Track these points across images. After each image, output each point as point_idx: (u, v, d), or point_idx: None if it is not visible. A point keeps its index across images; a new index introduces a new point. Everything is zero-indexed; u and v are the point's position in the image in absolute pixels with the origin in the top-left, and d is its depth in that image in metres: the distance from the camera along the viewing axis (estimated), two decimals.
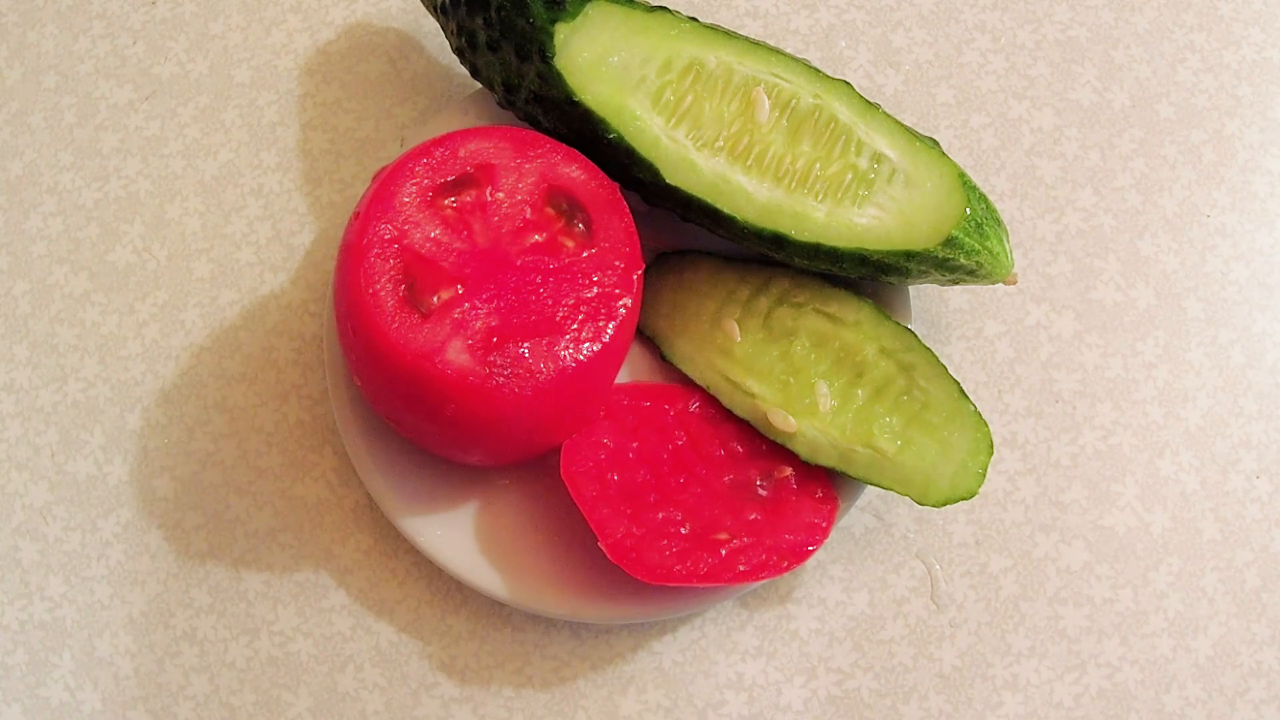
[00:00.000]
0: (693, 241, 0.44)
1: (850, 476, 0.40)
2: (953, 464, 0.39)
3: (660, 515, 0.39)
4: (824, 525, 0.39)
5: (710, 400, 0.42)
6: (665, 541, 0.38)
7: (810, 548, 0.39)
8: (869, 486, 0.40)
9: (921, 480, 0.39)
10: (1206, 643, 0.42)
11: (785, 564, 0.38)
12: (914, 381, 0.40)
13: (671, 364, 0.42)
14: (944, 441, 0.39)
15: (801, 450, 0.40)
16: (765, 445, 0.41)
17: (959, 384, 0.40)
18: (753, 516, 0.39)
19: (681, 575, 0.37)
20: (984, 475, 0.39)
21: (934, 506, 0.40)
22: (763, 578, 0.38)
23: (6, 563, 0.44)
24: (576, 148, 0.40)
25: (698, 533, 0.39)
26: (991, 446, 0.39)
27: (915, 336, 0.40)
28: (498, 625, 0.42)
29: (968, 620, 0.42)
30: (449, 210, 0.38)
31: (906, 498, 0.40)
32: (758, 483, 0.41)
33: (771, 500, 0.40)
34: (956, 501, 0.39)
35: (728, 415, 0.41)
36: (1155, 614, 0.42)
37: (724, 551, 0.38)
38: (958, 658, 0.42)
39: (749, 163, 0.39)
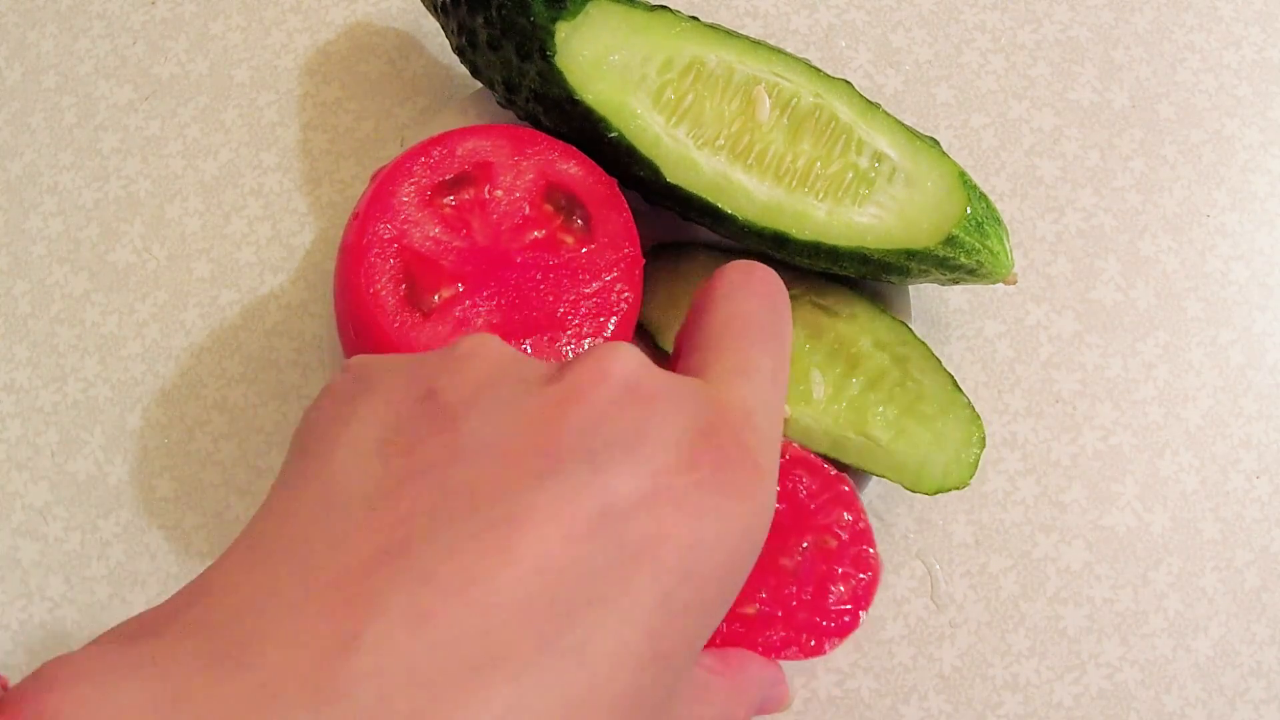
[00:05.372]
0: (693, 240, 0.44)
1: (843, 463, 0.39)
2: (945, 454, 0.39)
3: None
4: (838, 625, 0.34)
5: None
6: None
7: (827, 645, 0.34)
8: (868, 489, 0.40)
9: (914, 469, 0.39)
10: (1206, 643, 0.42)
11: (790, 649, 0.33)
12: (908, 374, 0.40)
13: (666, 353, 0.42)
14: (937, 432, 0.39)
15: (795, 436, 0.40)
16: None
17: (953, 377, 0.40)
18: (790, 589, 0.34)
19: None
20: (976, 466, 0.39)
21: (926, 494, 0.40)
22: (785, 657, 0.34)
23: (6, 563, 0.44)
24: (577, 146, 0.40)
25: None
26: (984, 438, 0.39)
27: (910, 330, 0.40)
28: None
29: (968, 620, 0.42)
30: (448, 209, 0.38)
31: (906, 500, 0.40)
32: (802, 546, 0.35)
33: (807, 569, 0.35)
34: (949, 491, 0.39)
35: None
36: (1155, 614, 0.42)
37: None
38: (958, 658, 0.42)
39: (749, 161, 0.39)
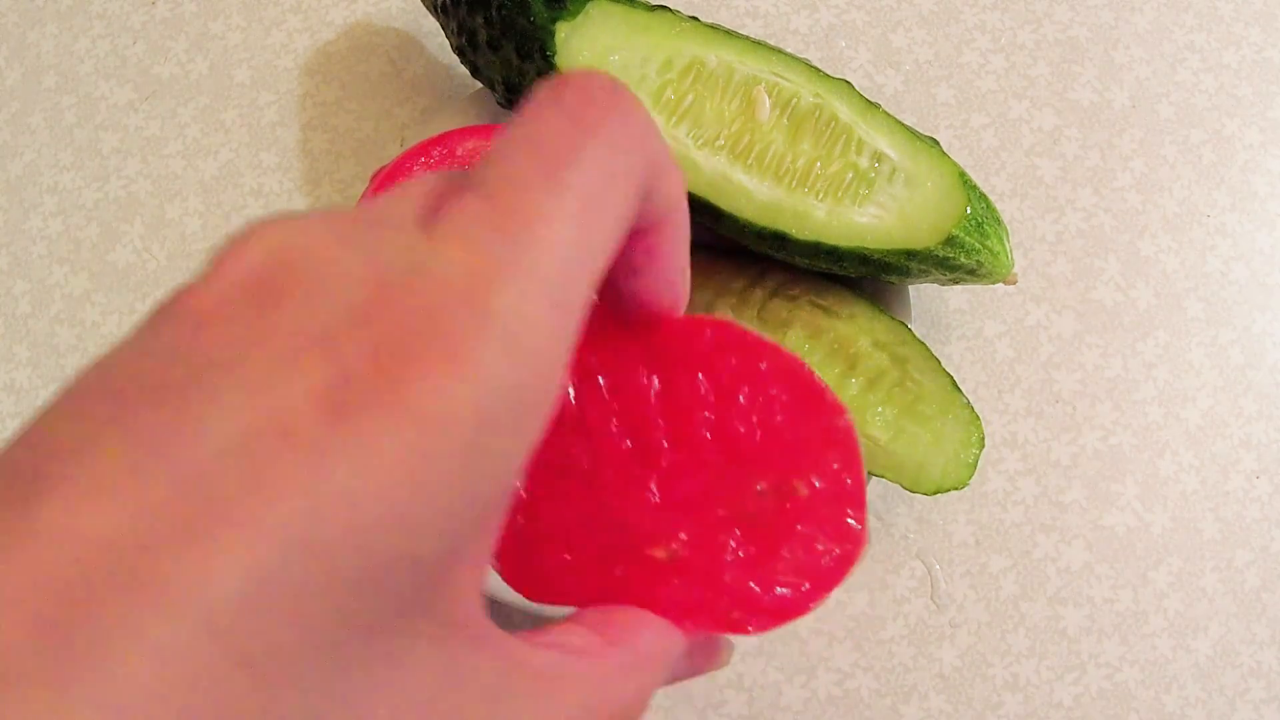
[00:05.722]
0: (693, 240, 0.44)
1: None
2: (944, 455, 0.39)
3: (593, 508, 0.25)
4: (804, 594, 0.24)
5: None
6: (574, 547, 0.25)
7: (750, 627, 0.24)
8: (867, 489, 0.40)
9: (914, 469, 0.39)
10: (1206, 643, 0.42)
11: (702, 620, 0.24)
12: (907, 374, 0.40)
13: None
14: (936, 433, 0.39)
15: None
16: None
17: (952, 377, 0.40)
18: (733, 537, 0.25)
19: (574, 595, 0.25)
20: (975, 466, 0.39)
21: (925, 494, 0.40)
22: (697, 629, 0.25)
23: None
24: None
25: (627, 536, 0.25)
26: (983, 439, 0.39)
27: (910, 331, 0.40)
28: (497, 625, 0.42)
29: (968, 620, 0.42)
30: None
31: (906, 500, 0.40)
32: (757, 487, 0.25)
33: (765, 521, 0.25)
34: (948, 491, 0.39)
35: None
36: (1155, 614, 0.42)
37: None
38: (958, 658, 0.42)
39: (749, 161, 0.39)
